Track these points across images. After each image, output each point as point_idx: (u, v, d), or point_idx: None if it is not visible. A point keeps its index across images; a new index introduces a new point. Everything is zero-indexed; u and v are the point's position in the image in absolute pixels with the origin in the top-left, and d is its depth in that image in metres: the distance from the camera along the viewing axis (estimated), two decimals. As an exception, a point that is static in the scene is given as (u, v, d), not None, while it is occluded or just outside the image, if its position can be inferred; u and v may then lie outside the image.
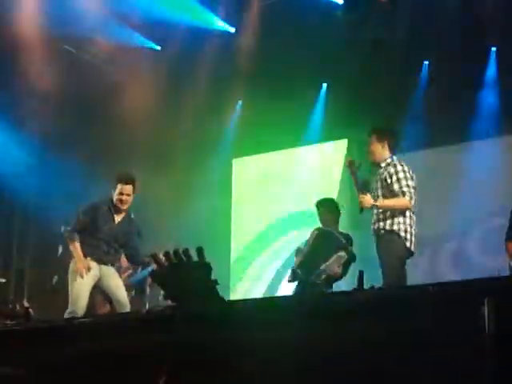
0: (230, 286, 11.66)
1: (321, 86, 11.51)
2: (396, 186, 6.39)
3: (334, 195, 9.62)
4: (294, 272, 7.34)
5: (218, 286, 2.19)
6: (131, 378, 2.14)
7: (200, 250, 2.18)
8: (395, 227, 6.40)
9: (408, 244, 6.43)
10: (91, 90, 10.44)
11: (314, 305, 1.97)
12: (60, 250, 11.04)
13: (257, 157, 12.50)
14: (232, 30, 10.66)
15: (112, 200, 7.08)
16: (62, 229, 10.49)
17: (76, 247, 6.90)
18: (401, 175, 6.43)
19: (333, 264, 7.07)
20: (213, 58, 10.48)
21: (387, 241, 6.43)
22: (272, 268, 11.88)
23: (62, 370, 2.35)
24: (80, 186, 10.11)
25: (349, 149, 11.15)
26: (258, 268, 12.11)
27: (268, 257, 12.07)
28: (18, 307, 8.89)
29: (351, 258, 7.23)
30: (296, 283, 7.37)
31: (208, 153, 11.80)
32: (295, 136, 11.51)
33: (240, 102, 12.11)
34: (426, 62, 10.63)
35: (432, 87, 10.49)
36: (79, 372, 2.30)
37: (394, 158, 6.67)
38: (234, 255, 12.22)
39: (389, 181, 6.45)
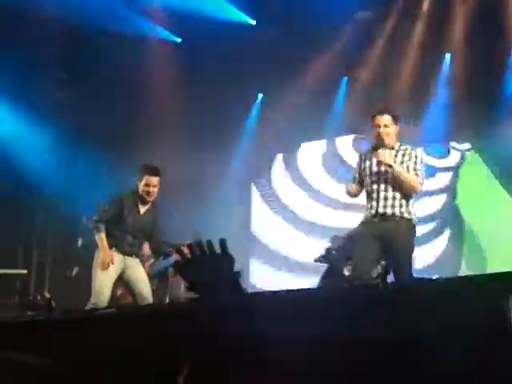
0: (250, 277, 11.65)
1: (341, 80, 11.46)
2: (412, 167, 6.18)
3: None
4: (328, 253, 7.19)
5: (240, 279, 2.18)
6: (152, 371, 2.13)
7: (223, 242, 2.17)
8: (413, 217, 6.21)
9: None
10: (114, 81, 10.47)
11: (346, 298, 1.95)
12: (80, 241, 11.09)
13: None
14: (253, 22, 10.64)
15: (137, 191, 7.08)
16: (84, 220, 10.55)
17: (101, 238, 6.89)
18: (418, 160, 6.23)
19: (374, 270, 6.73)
20: (233, 50, 10.46)
21: (408, 229, 6.16)
22: (293, 259, 11.84)
23: (82, 361, 2.34)
24: (102, 178, 10.14)
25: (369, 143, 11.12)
26: (280, 258, 12.07)
27: (289, 247, 12.02)
28: (39, 298, 8.93)
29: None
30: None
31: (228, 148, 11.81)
32: (316, 130, 11.47)
33: (260, 96, 12.09)
34: (448, 55, 10.55)
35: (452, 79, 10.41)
36: (99, 364, 2.29)
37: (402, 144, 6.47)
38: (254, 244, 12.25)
39: (406, 159, 6.19)
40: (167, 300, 6.66)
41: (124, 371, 2.19)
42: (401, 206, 6.11)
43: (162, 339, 2.11)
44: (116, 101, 10.97)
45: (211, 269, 2.13)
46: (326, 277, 7.31)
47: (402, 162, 6.16)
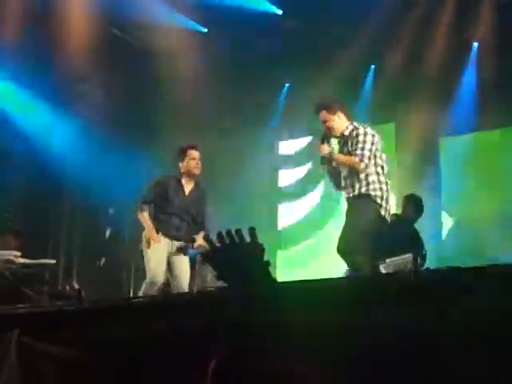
0: (278, 266, 11.62)
1: (368, 68, 11.37)
2: (354, 150, 6.29)
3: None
4: None
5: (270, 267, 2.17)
6: (181, 359, 2.13)
7: (252, 231, 2.16)
8: (371, 193, 6.24)
9: (383, 212, 6.28)
10: (138, 71, 10.50)
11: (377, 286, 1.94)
12: (108, 232, 11.16)
13: (302, 140, 12.45)
14: (279, 11, 10.59)
15: (180, 172, 7.06)
16: (111, 211, 10.63)
17: (144, 216, 6.90)
18: (360, 138, 6.30)
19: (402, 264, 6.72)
20: (259, 40, 10.44)
21: (366, 204, 6.25)
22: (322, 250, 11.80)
23: (113, 350, 2.35)
24: (129, 169, 10.17)
25: (397, 132, 11.06)
26: (308, 246, 12.04)
27: (317, 234, 11.98)
28: (67, 288, 9.00)
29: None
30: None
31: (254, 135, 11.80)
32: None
33: (287, 85, 12.06)
34: (476, 44, 10.44)
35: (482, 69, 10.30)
36: (129, 352, 2.30)
37: (355, 123, 6.53)
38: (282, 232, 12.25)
39: (352, 143, 6.34)
40: (196, 289, 6.64)
41: (152, 360, 2.19)
42: (359, 181, 6.28)
43: (190, 328, 2.11)
44: (143, 90, 11.00)
45: (241, 258, 2.12)
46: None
47: (350, 147, 6.35)
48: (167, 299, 2.95)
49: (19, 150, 10.54)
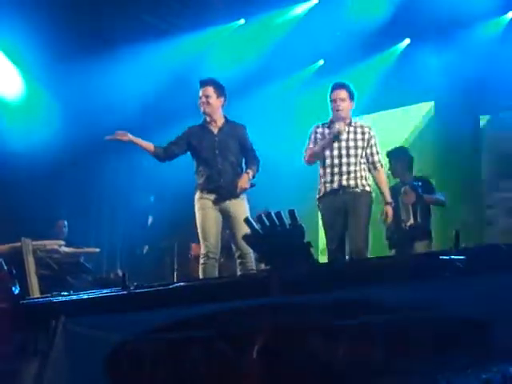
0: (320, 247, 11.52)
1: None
2: (376, 158, 6.21)
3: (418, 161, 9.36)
4: None
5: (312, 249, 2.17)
6: (227, 342, 2.14)
7: (292, 213, 2.16)
8: (371, 190, 6.21)
9: None
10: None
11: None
12: (150, 220, 11.24)
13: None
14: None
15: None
16: (152, 199, 10.69)
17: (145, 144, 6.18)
18: (377, 141, 6.27)
19: None
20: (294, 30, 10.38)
21: (368, 200, 6.14)
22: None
23: (158, 333, 2.38)
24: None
25: (436, 111, 10.90)
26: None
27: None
28: (111, 276, 9.09)
29: None
30: None
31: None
32: (377, 100, 11.17)
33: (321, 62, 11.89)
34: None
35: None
36: (174, 336, 2.32)
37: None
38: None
39: (372, 144, 6.22)
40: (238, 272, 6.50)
41: (197, 343, 2.21)
42: (362, 178, 6.14)
43: (235, 310, 2.12)
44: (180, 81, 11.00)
45: (281, 240, 2.12)
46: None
47: (369, 148, 6.21)
48: (210, 282, 2.97)
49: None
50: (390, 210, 6.27)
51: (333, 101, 6.27)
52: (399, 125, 11.28)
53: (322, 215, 6.29)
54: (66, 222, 9.70)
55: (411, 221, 6.90)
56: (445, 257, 1.90)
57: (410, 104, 10.79)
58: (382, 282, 1.87)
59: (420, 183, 7.05)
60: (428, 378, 1.78)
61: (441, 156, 10.03)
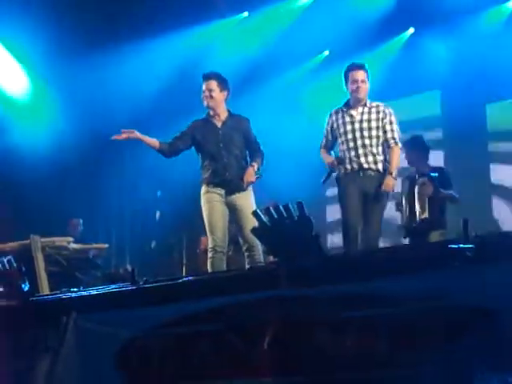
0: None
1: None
2: (390, 135, 6.08)
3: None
4: None
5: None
6: (235, 334, 2.14)
7: (300, 205, 2.16)
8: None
9: None
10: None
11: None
12: (158, 215, 11.24)
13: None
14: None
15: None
16: (159, 194, 10.68)
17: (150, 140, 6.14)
18: (393, 118, 6.13)
19: None
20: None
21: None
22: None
23: (167, 328, 2.38)
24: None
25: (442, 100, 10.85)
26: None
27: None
28: (121, 271, 9.09)
29: None
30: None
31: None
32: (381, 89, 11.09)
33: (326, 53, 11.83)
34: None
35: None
36: (183, 330, 2.32)
37: None
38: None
39: (386, 122, 6.09)
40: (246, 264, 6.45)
41: (207, 336, 2.21)
42: (383, 161, 6.06)
43: (243, 303, 2.12)
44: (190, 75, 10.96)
45: (290, 232, 2.12)
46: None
47: (383, 128, 6.10)
48: (218, 276, 2.96)
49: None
50: (391, 181, 6.05)
51: (351, 82, 6.14)
52: (404, 114, 11.23)
53: (339, 196, 6.14)
54: (81, 221, 9.75)
55: (426, 214, 6.78)
56: (454, 245, 1.89)
57: (416, 93, 10.74)
58: (391, 273, 1.86)
59: (437, 174, 6.93)
60: (440, 367, 1.78)
61: (447, 144, 10.00)
